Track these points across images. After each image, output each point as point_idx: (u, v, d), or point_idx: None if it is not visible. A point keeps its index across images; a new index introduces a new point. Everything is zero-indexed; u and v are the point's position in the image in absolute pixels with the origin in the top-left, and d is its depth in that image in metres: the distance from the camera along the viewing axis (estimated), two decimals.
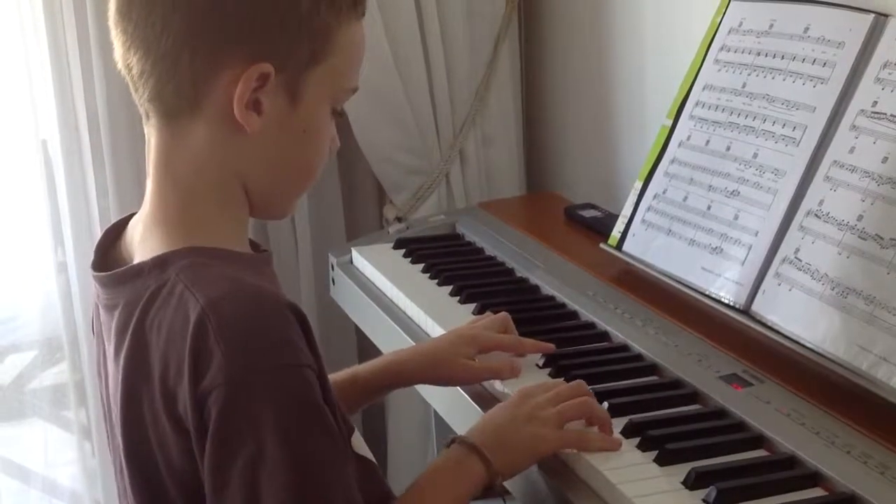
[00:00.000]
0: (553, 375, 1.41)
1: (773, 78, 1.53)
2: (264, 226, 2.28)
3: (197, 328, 0.99)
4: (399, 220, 2.29)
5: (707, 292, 1.52)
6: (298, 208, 2.24)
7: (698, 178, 1.60)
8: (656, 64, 2.06)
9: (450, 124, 2.31)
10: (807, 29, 1.51)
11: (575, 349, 1.48)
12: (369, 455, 1.18)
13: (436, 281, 1.77)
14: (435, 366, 1.41)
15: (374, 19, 2.12)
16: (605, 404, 1.30)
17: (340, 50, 1.10)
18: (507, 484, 1.24)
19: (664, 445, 1.20)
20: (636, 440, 1.24)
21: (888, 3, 1.43)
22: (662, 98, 1.78)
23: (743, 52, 1.60)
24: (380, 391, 1.51)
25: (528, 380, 1.40)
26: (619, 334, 1.51)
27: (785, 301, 1.39)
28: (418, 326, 1.65)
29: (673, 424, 1.26)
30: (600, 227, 1.85)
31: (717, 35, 1.65)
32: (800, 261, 1.39)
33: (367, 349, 2.30)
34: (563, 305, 1.64)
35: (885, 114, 1.35)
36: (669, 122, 1.68)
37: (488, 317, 1.49)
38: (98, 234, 1.22)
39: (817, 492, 1.14)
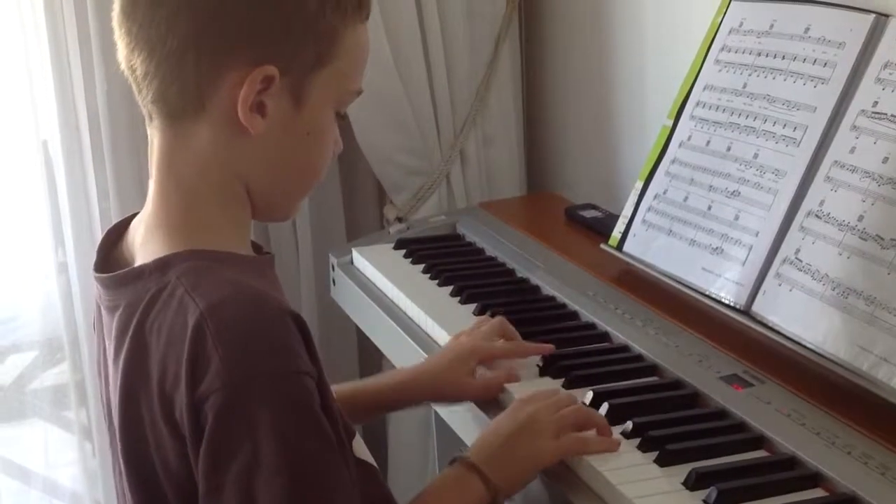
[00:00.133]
0: (553, 376, 1.41)
1: (773, 78, 1.53)
2: (265, 226, 2.28)
3: (195, 333, 0.99)
4: (399, 220, 2.29)
5: (707, 293, 1.52)
6: (301, 207, 2.24)
7: (699, 179, 1.60)
8: (657, 64, 2.06)
9: (450, 125, 2.30)
10: (807, 29, 1.51)
11: (575, 350, 1.48)
12: (370, 459, 1.18)
13: (436, 281, 1.77)
14: (437, 388, 1.41)
15: (374, 19, 2.09)
16: (606, 405, 1.30)
17: (345, 53, 1.10)
18: None
19: (665, 446, 1.20)
20: (636, 441, 1.24)
21: (889, 3, 1.43)
22: (663, 98, 1.78)
23: (743, 53, 1.60)
24: (379, 411, 1.51)
25: (528, 380, 1.40)
26: (619, 335, 1.50)
27: (785, 301, 1.39)
28: (419, 327, 1.65)
29: (673, 425, 1.26)
30: (601, 227, 1.85)
31: (717, 35, 1.65)
32: (800, 261, 1.39)
33: (367, 350, 2.31)
34: (564, 306, 1.64)
35: (886, 114, 1.34)
36: (670, 123, 1.68)
37: (486, 321, 1.49)
38: (99, 234, 1.22)
39: (818, 492, 1.14)
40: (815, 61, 1.48)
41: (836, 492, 1.13)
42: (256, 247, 1.18)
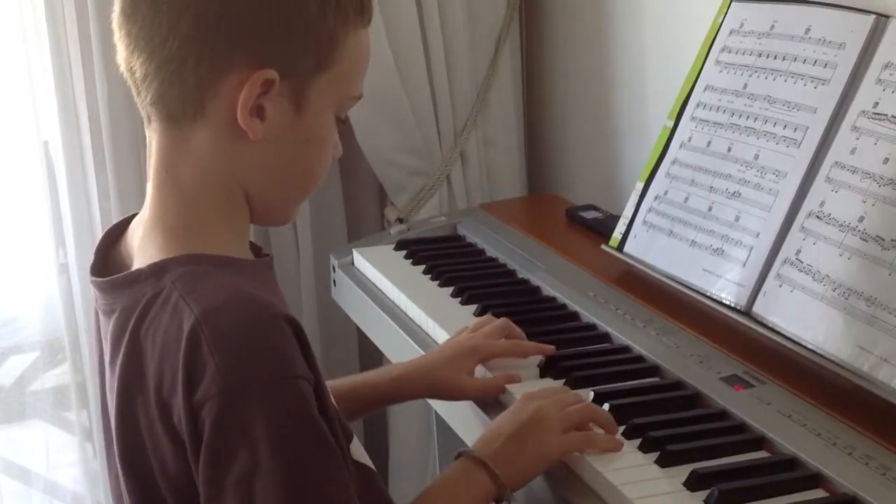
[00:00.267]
0: (554, 377, 1.41)
1: (774, 79, 1.53)
2: (265, 227, 2.28)
3: (190, 338, 0.99)
4: (400, 221, 2.29)
5: (708, 293, 1.52)
6: (300, 210, 2.24)
7: (699, 180, 1.60)
8: (658, 65, 2.06)
9: (451, 125, 2.31)
10: (808, 30, 1.51)
11: (576, 350, 1.48)
12: (368, 462, 1.17)
13: (437, 282, 1.77)
14: (435, 383, 1.41)
15: (375, 20, 2.07)
16: (607, 406, 1.30)
17: (346, 57, 1.10)
18: None
19: (665, 447, 1.20)
20: (637, 441, 1.24)
21: (889, 4, 1.43)
22: (664, 99, 1.78)
23: (744, 54, 1.60)
24: (378, 405, 1.51)
25: (528, 381, 1.40)
26: (620, 336, 1.51)
27: (786, 302, 1.39)
28: (419, 328, 1.65)
29: (674, 426, 1.26)
30: (601, 228, 1.85)
31: (718, 36, 1.65)
32: (801, 262, 1.39)
33: (368, 350, 2.31)
34: (565, 307, 1.64)
35: (886, 115, 1.35)
36: (671, 124, 1.68)
37: (489, 321, 1.49)
38: (100, 234, 1.21)
39: (818, 493, 1.14)
40: (815, 62, 1.48)
41: (836, 492, 1.13)
42: (255, 249, 1.18)
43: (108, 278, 1.11)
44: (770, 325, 1.41)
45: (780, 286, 1.41)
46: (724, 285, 1.50)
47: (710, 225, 1.55)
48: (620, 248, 1.71)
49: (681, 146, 1.65)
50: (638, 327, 1.52)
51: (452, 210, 2.30)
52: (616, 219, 1.75)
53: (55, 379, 2.34)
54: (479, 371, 1.42)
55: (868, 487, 1.11)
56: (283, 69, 1.06)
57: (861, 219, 1.33)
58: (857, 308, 1.29)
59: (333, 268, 1.99)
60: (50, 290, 2.25)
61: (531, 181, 2.45)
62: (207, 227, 1.10)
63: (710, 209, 1.56)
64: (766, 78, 1.55)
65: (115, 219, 2.04)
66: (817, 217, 1.39)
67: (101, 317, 1.14)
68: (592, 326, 1.56)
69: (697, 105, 1.64)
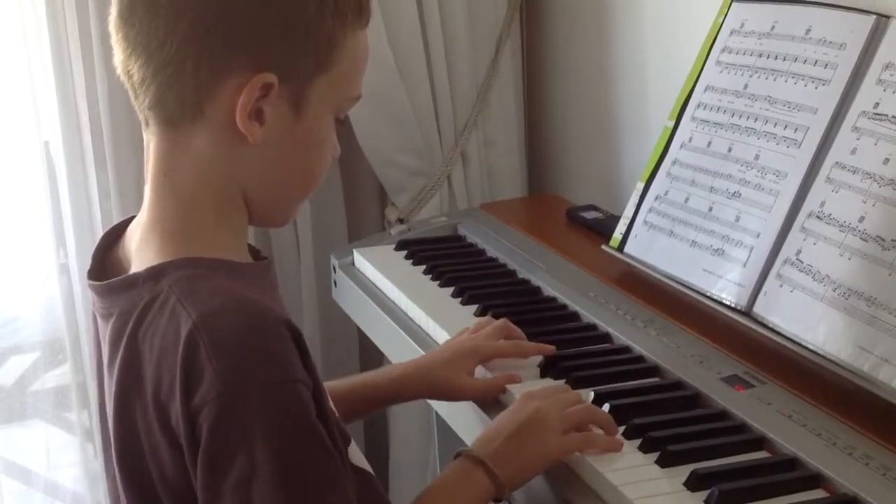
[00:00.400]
0: (555, 377, 1.41)
1: (774, 79, 1.53)
2: (265, 228, 2.28)
3: (188, 343, 0.99)
4: (401, 221, 2.29)
5: (709, 294, 1.52)
6: (300, 210, 2.24)
7: (700, 180, 1.60)
8: (658, 65, 2.06)
9: (451, 126, 2.31)
10: (808, 30, 1.51)
11: (577, 351, 1.48)
12: (366, 466, 1.17)
13: (437, 282, 1.77)
14: (435, 385, 1.41)
15: (375, 21, 2.11)
16: (607, 406, 1.30)
17: (345, 59, 1.10)
18: None
19: (666, 447, 1.20)
20: (638, 442, 1.24)
21: (889, 4, 1.43)
22: (664, 99, 1.78)
23: (744, 54, 1.60)
24: (378, 406, 1.51)
25: (529, 381, 1.40)
26: (620, 336, 1.51)
27: (786, 302, 1.39)
28: (420, 328, 1.65)
29: (674, 426, 1.26)
30: (602, 228, 1.85)
31: (718, 36, 1.65)
32: (801, 262, 1.39)
33: (369, 351, 2.31)
34: (565, 307, 1.64)
35: (887, 115, 1.35)
36: (671, 124, 1.69)
37: (489, 322, 1.48)
38: (100, 234, 1.21)
39: (819, 493, 1.14)
40: (816, 62, 1.48)
41: (836, 493, 1.13)
42: (254, 251, 1.18)
43: (105, 282, 1.11)
44: (770, 325, 1.41)
45: (781, 286, 1.41)
46: (725, 285, 1.50)
47: (711, 225, 1.56)
48: (621, 248, 1.71)
49: (681, 146, 1.65)
50: (638, 327, 1.52)
51: (453, 210, 2.30)
52: (616, 219, 1.75)
53: (56, 379, 2.34)
54: (480, 371, 1.42)
55: (868, 488, 1.11)
56: (282, 72, 1.06)
57: (861, 219, 1.33)
58: (858, 308, 1.29)
59: (334, 268, 1.99)
60: (50, 291, 2.25)
61: (532, 181, 2.45)
62: (205, 230, 1.09)
63: (710, 209, 1.56)
64: (766, 78, 1.55)
65: (116, 218, 2.05)
66: (818, 217, 1.39)
67: (99, 320, 1.14)
68: (593, 327, 1.56)
69: (698, 105, 1.64)
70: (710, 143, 1.60)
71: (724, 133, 1.58)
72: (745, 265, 1.48)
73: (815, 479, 1.15)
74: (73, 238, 2.19)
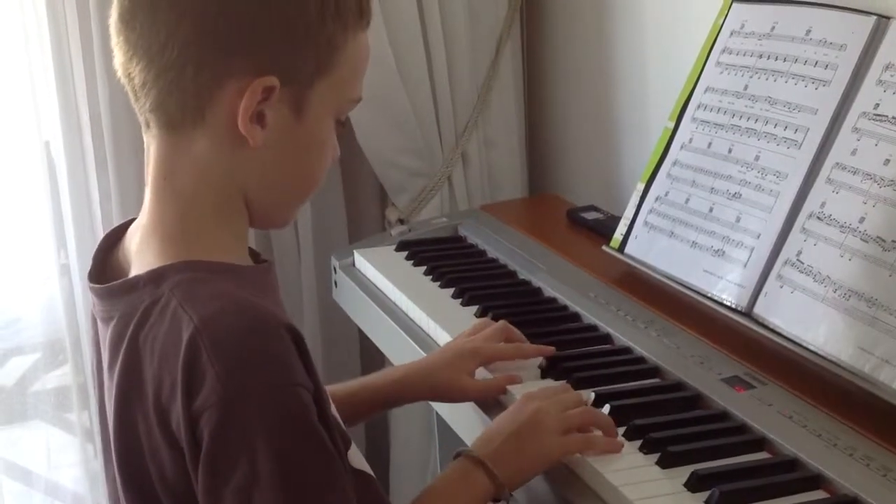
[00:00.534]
0: (555, 378, 1.41)
1: (774, 80, 1.53)
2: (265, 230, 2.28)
3: (189, 347, 0.99)
4: (401, 222, 2.29)
5: (709, 294, 1.52)
6: (300, 211, 2.24)
7: (700, 181, 1.60)
8: (658, 66, 2.06)
9: (452, 126, 2.31)
10: (809, 31, 1.51)
11: (577, 351, 1.48)
12: (367, 468, 1.17)
13: (438, 283, 1.77)
14: (436, 387, 1.41)
15: (376, 21, 2.09)
16: (608, 407, 1.30)
17: (346, 61, 1.09)
18: None
19: (666, 448, 1.20)
20: (638, 443, 1.24)
21: (890, 5, 1.43)
22: (664, 100, 1.78)
23: (745, 55, 1.60)
24: (380, 408, 1.51)
25: (530, 381, 1.40)
26: (621, 337, 1.51)
27: (787, 303, 1.39)
28: (420, 329, 1.65)
29: (675, 427, 1.26)
30: (602, 229, 1.85)
31: (718, 37, 1.65)
32: (802, 263, 1.39)
33: (369, 351, 2.31)
34: (566, 308, 1.64)
35: (887, 116, 1.35)
36: (671, 125, 1.69)
37: (489, 324, 1.48)
38: (101, 235, 1.21)
39: (819, 494, 1.14)
40: (816, 63, 1.48)
41: (837, 493, 1.13)
42: (254, 254, 1.18)
43: (106, 285, 1.11)
44: (771, 326, 1.41)
45: (781, 287, 1.41)
46: (725, 286, 1.50)
47: (711, 226, 1.56)
48: (621, 249, 1.71)
49: (681, 147, 1.65)
50: (639, 328, 1.52)
51: (453, 211, 2.30)
52: (617, 220, 1.75)
53: (56, 380, 2.34)
54: (481, 372, 1.42)
55: (869, 489, 1.11)
56: (284, 75, 1.06)
57: (862, 220, 1.33)
58: (858, 309, 1.29)
59: (335, 269, 1.99)
60: (51, 291, 2.25)
61: (532, 182, 2.46)
62: (206, 233, 1.09)
63: (710, 210, 1.56)
64: (766, 79, 1.55)
65: (117, 219, 2.05)
66: (818, 218, 1.39)
67: (100, 323, 1.13)
68: (593, 327, 1.56)
69: (698, 106, 1.64)
70: (710, 143, 1.60)
71: (724, 134, 1.58)
72: (745, 266, 1.48)
73: (815, 480, 1.15)
74: (73, 239, 2.19)
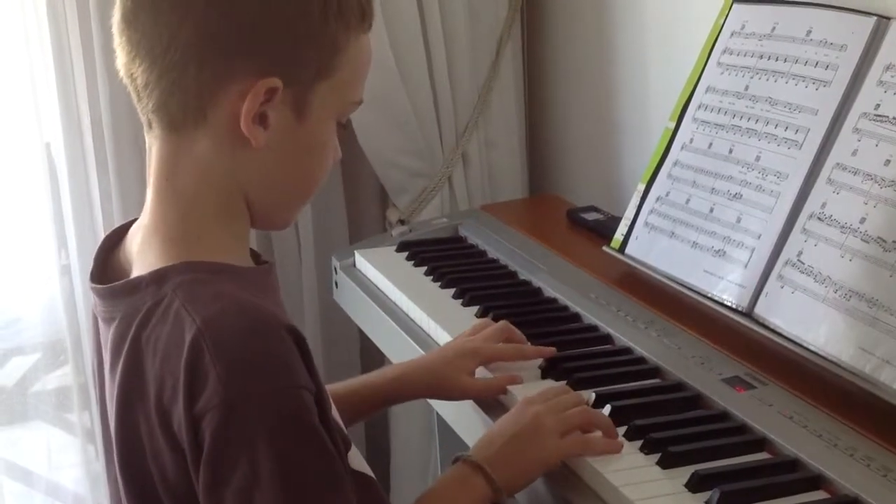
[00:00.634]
0: (556, 379, 1.41)
1: (775, 81, 1.53)
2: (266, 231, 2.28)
3: (192, 348, 0.99)
4: (402, 222, 2.29)
5: (710, 295, 1.52)
6: (301, 212, 2.24)
7: (701, 181, 1.60)
8: (659, 66, 2.06)
9: (452, 127, 2.31)
10: (809, 32, 1.51)
11: (578, 352, 1.48)
12: (367, 470, 1.17)
13: (438, 283, 1.77)
14: (436, 384, 1.41)
15: (376, 22, 2.08)
16: (608, 407, 1.30)
17: (348, 63, 1.10)
18: None
19: (667, 448, 1.20)
20: (639, 443, 1.24)
21: (890, 5, 1.43)
22: (665, 100, 1.78)
23: (745, 55, 1.60)
24: (380, 406, 1.51)
25: (530, 382, 1.40)
26: (621, 337, 1.51)
27: (788, 304, 1.39)
28: (421, 329, 1.65)
29: (675, 427, 1.26)
30: (603, 229, 1.85)
31: (719, 38, 1.65)
32: (802, 263, 1.39)
33: (370, 352, 2.31)
34: (566, 308, 1.64)
35: (888, 116, 1.35)
36: (672, 125, 1.69)
37: (489, 324, 1.48)
38: (102, 236, 1.21)
39: (820, 494, 1.14)
40: (816, 64, 1.48)
41: (838, 494, 1.13)
42: (255, 255, 1.18)
43: (107, 286, 1.11)
44: (771, 326, 1.41)
45: (782, 288, 1.41)
46: (726, 287, 1.50)
47: (712, 226, 1.56)
48: (622, 249, 1.71)
49: (682, 148, 1.65)
50: (639, 329, 1.52)
51: (454, 211, 2.30)
52: (617, 220, 1.75)
53: (57, 380, 2.34)
54: (481, 372, 1.42)
55: (869, 489, 1.11)
56: (286, 77, 1.06)
57: (862, 220, 1.33)
58: (859, 310, 1.29)
59: (335, 269, 1.99)
60: (52, 292, 2.25)
61: (532, 182, 2.46)
62: (207, 233, 1.09)
63: (711, 210, 1.56)
64: (767, 79, 1.55)
65: (118, 220, 2.05)
66: (819, 218, 1.39)
67: (101, 324, 1.13)
68: (594, 328, 1.56)
69: (699, 106, 1.65)
70: (711, 144, 1.60)
71: (725, 134, 1.58)
72: (746, 266, 1.48)
73: (816, 481, 1.15)
74: (74, 239, 2.19)
